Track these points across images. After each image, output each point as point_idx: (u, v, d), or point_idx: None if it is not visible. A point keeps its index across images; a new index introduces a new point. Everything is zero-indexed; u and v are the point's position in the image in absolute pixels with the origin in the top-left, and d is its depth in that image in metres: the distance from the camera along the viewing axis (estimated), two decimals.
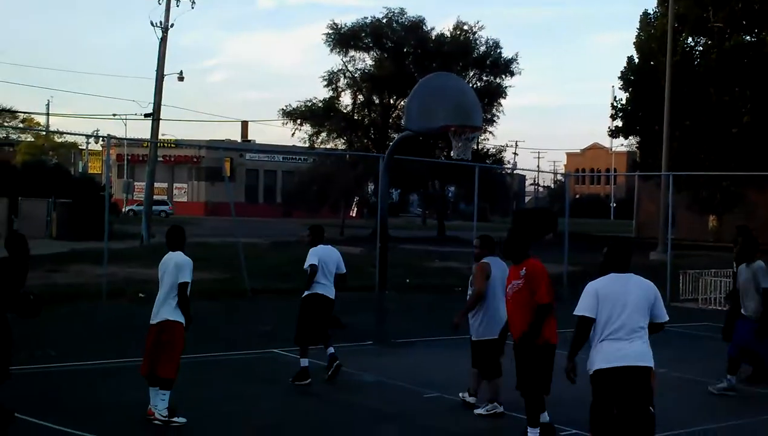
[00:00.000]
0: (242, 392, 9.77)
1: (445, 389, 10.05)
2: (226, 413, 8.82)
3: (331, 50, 46.19)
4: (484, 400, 9.14)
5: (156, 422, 8.05)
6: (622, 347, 6.62)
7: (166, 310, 8.29)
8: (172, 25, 35.65)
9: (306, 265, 10.48)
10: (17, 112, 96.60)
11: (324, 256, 10.51)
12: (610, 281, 6.93)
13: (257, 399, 9.57)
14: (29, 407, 8.58)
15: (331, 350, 10.59)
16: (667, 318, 6.93)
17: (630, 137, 54.13)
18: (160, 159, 61.35)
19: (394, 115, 46.94)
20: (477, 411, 9.08)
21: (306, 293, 10.61)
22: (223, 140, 71.52)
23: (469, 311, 9.06)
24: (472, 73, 47.72)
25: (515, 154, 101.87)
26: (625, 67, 49.42)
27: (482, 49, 47.70)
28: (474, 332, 9.10)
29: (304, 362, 10.30)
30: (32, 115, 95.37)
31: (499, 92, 47.85)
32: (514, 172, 78.36)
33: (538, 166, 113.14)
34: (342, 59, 46.71)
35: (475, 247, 9.66)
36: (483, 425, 8.77)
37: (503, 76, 48.00)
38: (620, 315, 6.70)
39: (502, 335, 8.72)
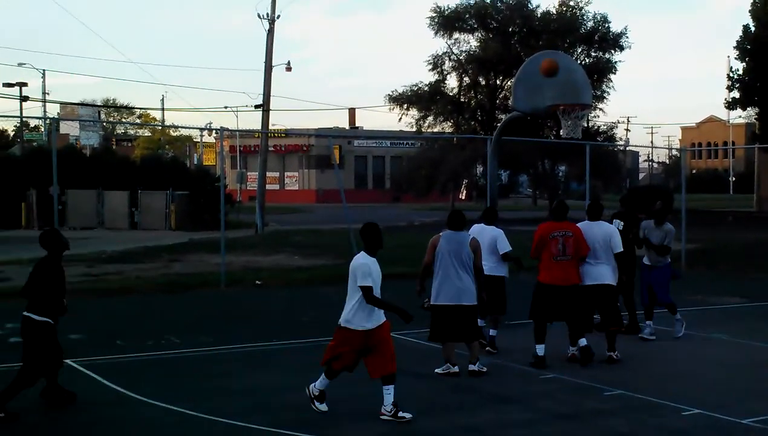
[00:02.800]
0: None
1: (562, 370, 9.97)
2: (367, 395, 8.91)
3: (436, 33, 46.07)
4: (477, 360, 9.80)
5: (384, 417, 7.89)
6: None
7: (378, 314, 8.04)
8: (278, 17, 36.27)
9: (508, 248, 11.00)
10: (134, 108, 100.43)
11: None
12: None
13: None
14: (158, 392, 8.91)
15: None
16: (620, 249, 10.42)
17: (748, 108, 52.22)
18: (271, 149, 62.69)
19: (501, 96, 46.52)
20: (436, 370, 9.76)
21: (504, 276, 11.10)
22: (331, 128, 72.31)
23: (420, 279, 9.86)
24: (580, 50, 46.74)
25: (627, 130, 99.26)
26: (741, 36, 47.67)
27: (590, 24, 46.64)
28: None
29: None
30: (148, 111, 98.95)
31: (609, 68, 46.70)
32: (627, 148, 76.54)
33: (651, 142, 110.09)
34: (446, 42, 46.55)
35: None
36: (589, 406, 8.65)
37: (612, 51, 46.86)
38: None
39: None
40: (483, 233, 10.91)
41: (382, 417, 7.86)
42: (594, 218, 10.71)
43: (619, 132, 71.02)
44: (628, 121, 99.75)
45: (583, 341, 10.38)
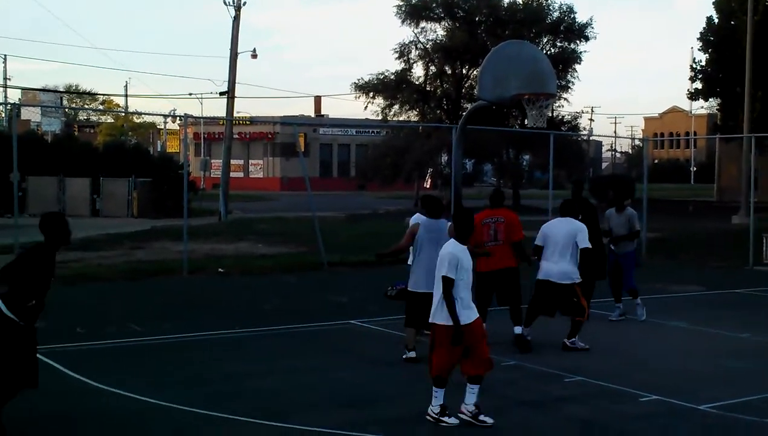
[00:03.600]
0: (325, 364, 9.89)
1: (522, 358, 10.06)
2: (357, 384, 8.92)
3: (402, 22, 45.97)
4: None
5: (463, 417, 7.43)
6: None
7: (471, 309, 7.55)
8: (244, 3, 36.03)
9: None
10: (97, 94, 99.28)
11: None
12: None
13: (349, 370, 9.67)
14: (121, 380, 8.84)
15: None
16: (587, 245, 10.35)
17: (710, 99, 52.86)
18: (236, 136, 62.32)
19: (466, 85, 46.59)
20: (404, 357, 9.80)
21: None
22: (296, 116, 72.06)
23: (390, 252, 10.51)
24: (545, 40, 46.95)
25: (591, 120, 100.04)
26: (704, 28, 48.17)
27: (555, 15, 46.85)
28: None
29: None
30: (112, 97, 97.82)
31: (574, 58, 46.98)
32: (590, 138, 77.18)
33: (615, 132, 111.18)
34: (413, 31, 46.44)
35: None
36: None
37: (578, 42, 47.12)
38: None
39: None
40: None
41: (461, 416, 7.44)
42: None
43: (583, 122, 71.79)
44: (592, 111, 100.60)
45: (517, 329, 10.55)
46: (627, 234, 12.81)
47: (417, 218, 10.23)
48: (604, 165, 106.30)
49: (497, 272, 10.55)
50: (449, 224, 9.70)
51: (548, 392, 8.69)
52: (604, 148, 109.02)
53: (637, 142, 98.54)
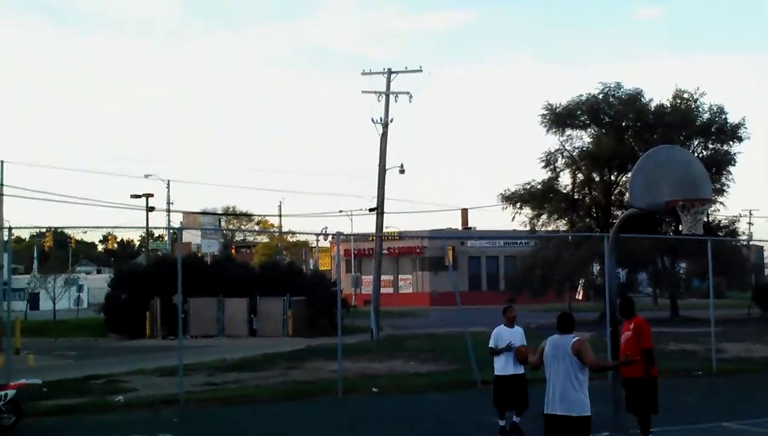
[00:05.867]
0: None
1: None
2: None
3: (548, 131, 45.79)
4: None
5: None
6: None
7: None
8: (391, 120, 37.14)
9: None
10: (253, 215, 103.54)
11: None
12: None
13: None
14: None
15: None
16: None
17: None
18: (385, 252, 63.19)
19: (616, 192, 45.76)
20: None
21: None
22: (444, 229, 72.55)
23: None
24: (696, 142, 45.76)
25: (750, 223, 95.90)
26: None
27: (706, 116, 45.65)
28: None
29: None
30: (267, 218, 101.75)
31: (728, 160, 45.43)
32: (751, 242, 73.77)
33: None
34: (559, 139, 46.09)
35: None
36: None
37: (731, 143, 45.63)
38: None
39: None
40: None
41: None
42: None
43: (742, 226, 68.64)
44: (750, 214, 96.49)
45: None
46: None
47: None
48: (767, 271, 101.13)
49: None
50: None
51: None
52: (766, 253, 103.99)
53: None
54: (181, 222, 75.98)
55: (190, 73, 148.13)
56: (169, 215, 67.61)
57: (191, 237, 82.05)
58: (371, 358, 24.59)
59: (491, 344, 12.31)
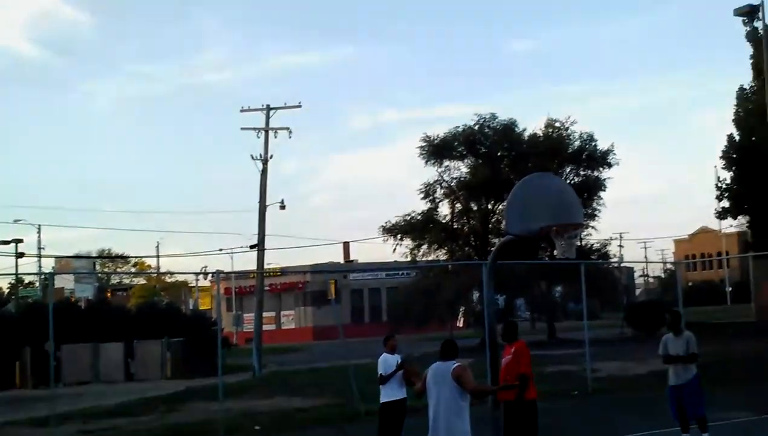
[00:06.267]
0: None
1: None
2: None
3: (426, 162, 46.45)
4: None
5: None
6: None
7: None
8: (271, 157, 36.91)
9: None
10: (129, 257, 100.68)
11: None
12: None
13: None
14: None
15: None
16: None
17: (739, 217, 52.47)
18: (267, 288, 62.42)
19: (493, 220, 46.73)
20: None
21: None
22: (326, 263, 72.38)
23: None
24: (568, 169, 47.25)
25: (621, 246, 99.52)
26: (726, 146, 48.32)
27: (576, 143, 47.21)
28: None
29: None
30: (144, 259, 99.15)
31: (598, 185, 47.13)
32: (622, 265, 76.49)
33: (645, 257, 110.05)
34: (437, 170, 46.80)
35: None
36: None
37: (601, 169, 47.30)
38: None
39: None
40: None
41: None
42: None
43: (613, 249, 71.28)
44: (621, 237, 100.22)
45: None
46: (685, 356, 12.38)
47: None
48: (638, 291, 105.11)
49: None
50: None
51: None
52: (636, 274, 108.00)
53: (668, 265, 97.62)
54: (53, 267, 73.21)
55: (58, 114, 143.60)
56: (40, 260, 65.07)
57: (64, 282, 79.11)
58: (254, 396, 24.11)
59: (380, 371, 12.10)
